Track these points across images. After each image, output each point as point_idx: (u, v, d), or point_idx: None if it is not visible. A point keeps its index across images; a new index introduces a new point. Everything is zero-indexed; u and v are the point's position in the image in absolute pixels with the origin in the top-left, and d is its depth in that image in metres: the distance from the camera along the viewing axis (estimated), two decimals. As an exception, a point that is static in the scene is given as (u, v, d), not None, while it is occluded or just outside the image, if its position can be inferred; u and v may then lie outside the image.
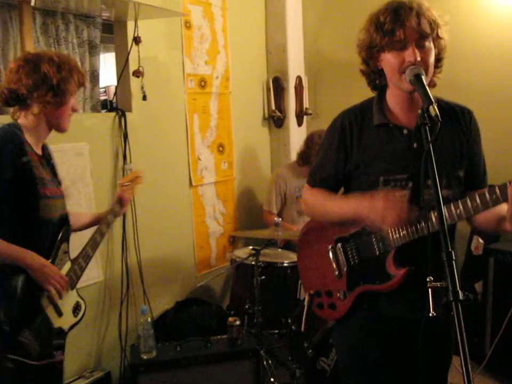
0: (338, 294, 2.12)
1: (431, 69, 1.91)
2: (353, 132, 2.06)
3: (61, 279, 2.21)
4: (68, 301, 2.34)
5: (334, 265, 2.13)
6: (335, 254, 2.13)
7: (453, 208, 1.79)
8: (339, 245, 2.12)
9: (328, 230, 2.16)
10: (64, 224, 2.36)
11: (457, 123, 2.02)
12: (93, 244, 2.51)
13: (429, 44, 1.89)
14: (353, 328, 2.12)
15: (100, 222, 2.62)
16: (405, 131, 1.98)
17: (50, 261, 2.21)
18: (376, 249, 2.00)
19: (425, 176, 1.62)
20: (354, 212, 1.96)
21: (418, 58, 1.84)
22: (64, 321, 2.29)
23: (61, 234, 2.31)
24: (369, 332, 2.07)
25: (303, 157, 4.39)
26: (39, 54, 2.25)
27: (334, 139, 2.11)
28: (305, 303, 2.25)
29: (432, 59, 1.90)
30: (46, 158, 2.34)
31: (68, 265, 2.35)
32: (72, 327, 2.37)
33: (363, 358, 2.07)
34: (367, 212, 1.90)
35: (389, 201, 1.85)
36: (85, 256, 2.45)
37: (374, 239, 2.01)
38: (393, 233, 1.94)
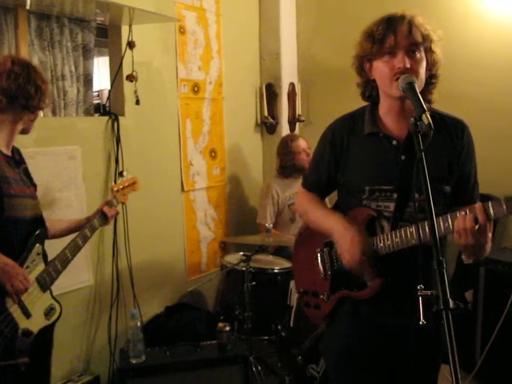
0: (322, 296, 2.18)
1: (422, 80, 1.91)
2: (343, 140, 2.09)
3: (24, 280, 2.17)
4: (39, 302, 2.32)
5: (321, 268, 2.18)
6: (322, 257, 2.18)
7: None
8: (326, 249, 2.17)
9: (319, 233, 2.18)
10: (38, 226, 2.35)
11: (448, 137, 1.99)
12: (74, 248, 2.48)
13: (420, 54, 1.89)
14: (340, 334, 2.15)
15: (84, 226, 2.60)
16: (394, 142, 1.98)
17: (19, 261, 2.19)
18: None
19: (412, 187, 1.63)
20: (329, 231, 2.07)
21: (408, 65, 1.84)
22: (32, 323, 2.26)
23: (34, 235, 2.30)
24: (356, 337, 2.09)
25: (289, 168, 4.46)
26: (25, 63, 2.31)
27: (326, 147, 2.15)
28: (295, 300, 2.30)
29: (422, 69, 1.90)
30: (15, 160, 2.35)
31: (41, 267, 2.33)
32: (44, 329, 2.34)
33: (350, 364, 2.10)
34: (337, 238, 2.02)
35: (352, 246, 1.93)
36: (63, 259, 2.42)
37: None
38: (378, 243, 1.96)
